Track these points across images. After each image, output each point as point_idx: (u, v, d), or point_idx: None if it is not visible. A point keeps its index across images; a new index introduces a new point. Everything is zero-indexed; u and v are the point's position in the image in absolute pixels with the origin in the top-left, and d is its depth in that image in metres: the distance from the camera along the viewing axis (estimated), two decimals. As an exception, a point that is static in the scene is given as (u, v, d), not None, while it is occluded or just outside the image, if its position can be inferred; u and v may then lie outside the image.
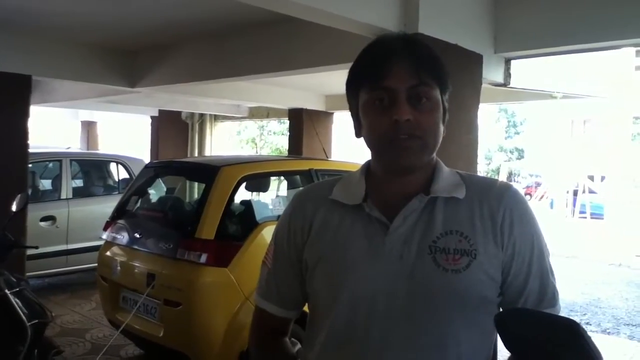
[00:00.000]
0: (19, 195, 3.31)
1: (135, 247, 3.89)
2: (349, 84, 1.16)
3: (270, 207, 4.31)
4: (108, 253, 4.11)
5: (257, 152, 23.31)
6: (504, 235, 1.08)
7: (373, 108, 1.09)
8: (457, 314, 1.06)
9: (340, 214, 1.16)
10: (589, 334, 0.87)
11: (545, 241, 1.14)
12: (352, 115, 1.18)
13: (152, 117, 10.95)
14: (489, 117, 28.46)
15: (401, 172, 1.12)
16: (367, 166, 1.21)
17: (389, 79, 1.07)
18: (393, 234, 1.09)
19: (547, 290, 1.11)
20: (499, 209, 1.10)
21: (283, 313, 1.26)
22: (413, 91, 1.07)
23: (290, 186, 4.95)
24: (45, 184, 7.05)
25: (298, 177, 4.58)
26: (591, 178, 17.99)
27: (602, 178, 17.99)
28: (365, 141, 1.15)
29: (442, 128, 1.11)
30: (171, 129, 10.73)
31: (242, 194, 4.10)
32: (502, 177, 21.80)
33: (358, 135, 1.18)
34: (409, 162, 1.09)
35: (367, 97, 1.10)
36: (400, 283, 1.07)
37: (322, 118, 8.78)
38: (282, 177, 5.15)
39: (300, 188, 1.59)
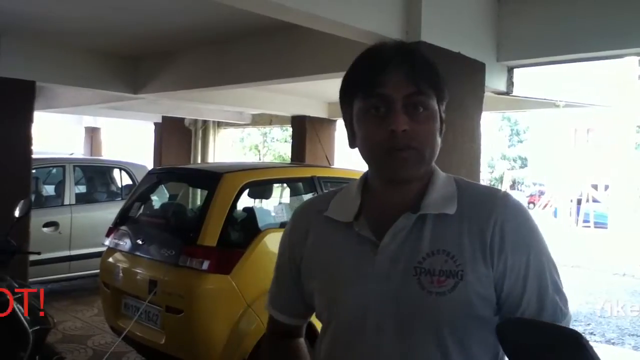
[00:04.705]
0: (22, 201, 3.32)
1: (138, 253, 3.89)
2: (343, 92, 1.12)
3: (273, 214, 4.31)
4: (110, 259, 4.10)
5: (259, 159, 23.36)
6: (494, 252, 1.03)
7: (368, 117, 1.05)
8: (447, 334, 1.02)
9: (333, 231, 1.15)
10: (593, 344, 0.86)
11: (549, 254, 1.08)
12: (346, 125, 1.15)
13: (155, 124, 10.98)
14: (492, 125, 28.47)
15: (398, 182, 1.10)
16: (365, 177, 1.18)
17: (385, 86, 1.03)
18: (382, 253, 1.06)
19: (545, 307, 1.04)
20: (489, 225, 1.04)
21: (289, 321, 1.29)
22: (409, 100, 1.03)
23: (292, 193, 4.94)
24: (49, 189, 7.06)
25: (301, 184, 4.57)
26: (595, 187, 17.96)
27: (606, 187, 17.95)
28: (360, 152, 1.11)
29: (439, 139, 1.07)
30: (174, 135, 10.76)
31: (245, 201, 4.09)
32: (506, 186, 21.80)
33: (352, 145, 1.13)
34: (406, 174, 1.06)
35: (362, 105, 1.06)
36: (388, 303, 1.04)
37: (325, 125, 8.79)
38: (284, 184, 5.14)
39: (303, 201, 1.59)
